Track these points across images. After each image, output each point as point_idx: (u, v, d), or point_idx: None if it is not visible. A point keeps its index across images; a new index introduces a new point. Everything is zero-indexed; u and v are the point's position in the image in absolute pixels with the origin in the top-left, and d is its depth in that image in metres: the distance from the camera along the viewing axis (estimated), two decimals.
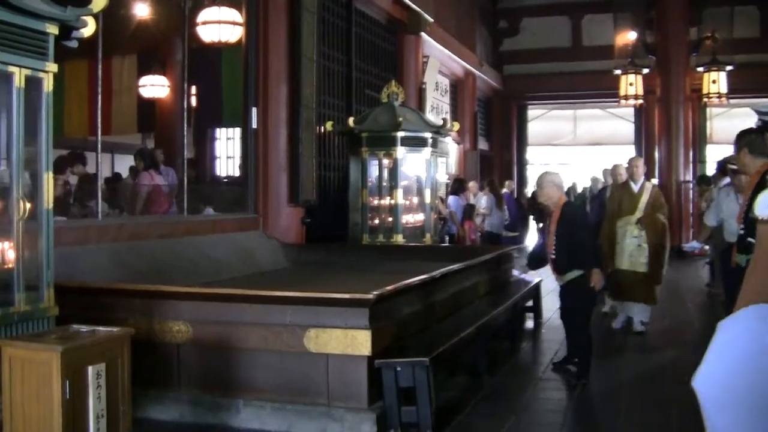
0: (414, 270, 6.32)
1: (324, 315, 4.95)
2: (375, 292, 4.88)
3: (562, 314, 6.97)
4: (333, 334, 4.88)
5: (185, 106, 8.56)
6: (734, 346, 2.36)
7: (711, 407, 2.31)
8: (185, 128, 8.60)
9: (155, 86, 11.52)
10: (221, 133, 14.97)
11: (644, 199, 8.83)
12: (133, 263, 6.78)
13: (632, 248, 8.74)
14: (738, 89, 17.28)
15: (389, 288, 5.20)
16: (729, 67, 17.15)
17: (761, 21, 19.46)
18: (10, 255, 4.32)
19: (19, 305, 4.27)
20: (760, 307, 2.39)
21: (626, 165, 9.28)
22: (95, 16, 4.73)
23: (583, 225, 6.99)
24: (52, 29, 4.39)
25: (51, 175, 4.45)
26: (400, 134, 9.61)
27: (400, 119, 9.51)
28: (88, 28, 4.59)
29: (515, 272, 9.76)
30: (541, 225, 15.37)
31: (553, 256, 6.65)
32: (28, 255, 4.34)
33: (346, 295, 4.97)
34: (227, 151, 15.12)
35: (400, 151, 9.69)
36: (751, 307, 2.39)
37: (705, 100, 17.65)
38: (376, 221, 9.93)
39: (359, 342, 4.82)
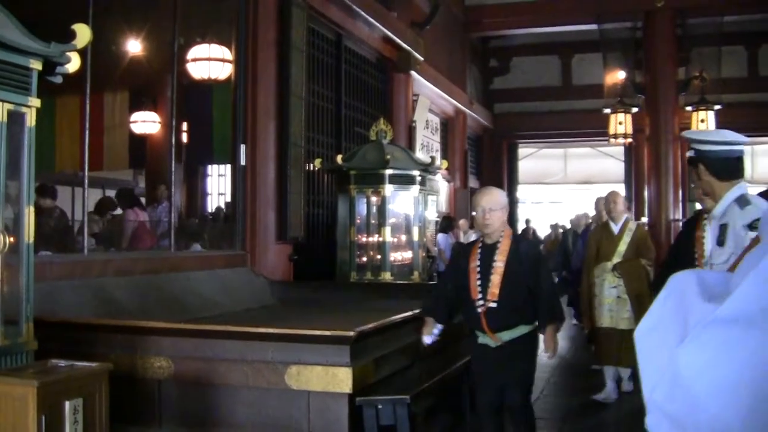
0: (401, 308, 6.29)
1: (305, 352, 4.93)
2: (356, 329, 4.88)
3: (488, 402, 5.14)
4: (314, 371, 4.86)
5: (173, 143, 8.59)
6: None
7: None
8: (173, 165, 8.63)
9: (146, 122, 11.60)
10: (213, 169, 15.02)
11: (625, 240, 7.79)
12: (117, 299, 6.77)
13: (611, 301, 7.69)
14: (726, 128, 17.32)
15: (371, 325, 5.19)
16: (717, 107, 17.27)
17: (749, 61, 19.68)
18: None
19: None
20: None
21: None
22: (81, 52, 4.77)
23: (547, 265, 5.72)
24: (36, 65, 4.41)
25: (32, 209, 4.46)
26: (388, 172, 9.62)
27: (388, 157, 9.54)
28: (73, 64, 4.62)
29: None
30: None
31: (492, 305, 4.96)
32: (8, 289, 4.33)
33: (327, 332, 4.96)
34: (218, 188, 15.17)
35: (389, 189, 9.69)
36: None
37: None
38: (364, 259, 9.91)
39: (340, 379, 4.80)
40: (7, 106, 4.29)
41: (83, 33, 4.55)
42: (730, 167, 3.89)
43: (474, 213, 5.10)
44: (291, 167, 9.55)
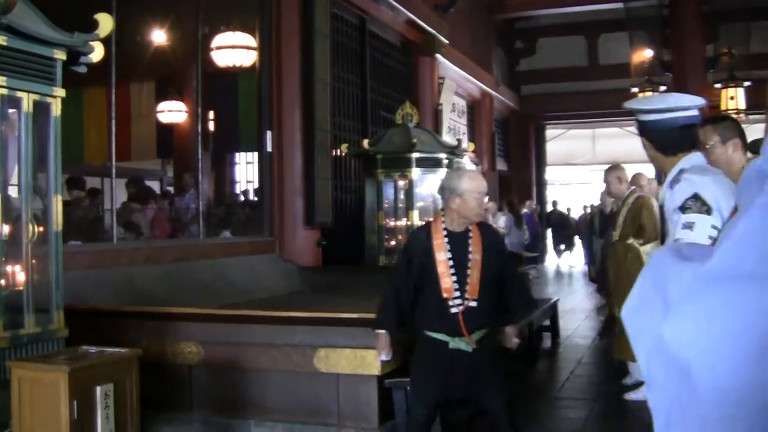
0: None
1: (333, 335, 4.95)
2: None
3: (425, 415, 4.33)
4: (343, 354, 4.88)
5: (200, 131, 8.64)
6: None
7: None
8: (200, 153, 8.68)
9: (173, 112, 11.66)
10: (240, 157, 15.08)
11: (623, 214, 6.83)
12: (147, 286, 6.83)
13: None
14: (756, 105, 17.20)
15: None
16: (747, 83, 17.08)
17: None
18: (20, 277, 4.36)
19: (29, 327, 4.30)
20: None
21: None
22: (105, 42, 4.80)
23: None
24: (60, 55, 4.45)
25: (60, 198, 4.51)
26: (415, 155, 9.59)
27: (415, 140, 9.51)
28: (96, 53, 4.65)
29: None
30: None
31: (473, 304, 4.19)
32: (38, 278, 4.38)
33: (355, 315, 4.98)
34: (246, 175, 15.22)
35: (416, 173, 9.67)
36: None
37: None
38: (393, 243, 9.91)
39: (369, 362, 4.81)
40: (33, 96, 4.33)
41: (105, 22, 4.58)
42: (674, 138, 3.29)
43: (459, 199, 4.22)
44: (317, 153, 9.56)
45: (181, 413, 5.29)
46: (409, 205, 9.72)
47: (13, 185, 4.45)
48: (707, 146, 3.55)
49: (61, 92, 4.50)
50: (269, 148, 9.20)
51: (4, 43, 4.12)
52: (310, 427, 4.96)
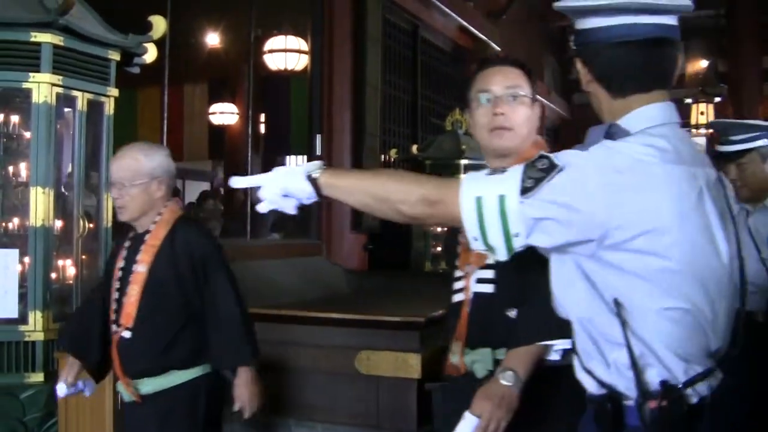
0: None
1: (375, 337, 4.99)
2: (426, 316, 4.92)
3: None
4: (384, 357, 4.91)
5: (251, 133, 8.75)
6: None
7: None
8: (250, 155, 8.78)
9: (225, 113, 11.80)
10: (291, 160, 15.19)
11: None
12: None
13: None
14: None
15: (440, 312, 5.21)
16: None
17: None
18: (71, 272, 4.47)
19: None
20: None
21: None
22: (159, 44, 4.91)
23: (227, 266, 3.52)
24: (114, 55, 4.57)
25: (110, 195, 4.61)
26: (464, 162, 9.58)
27: (464, 147, 9.52)
28: (150, 54, 4.76)
29: None
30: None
31: (126, 334, 3.23)
32: (87, 272, 4.49)
33: (398, 318, 5.01)
34: None
35: None
36: None
37: None
38: (439, 249, 9.92)
39: (410, 365, 4.84)
40: (87, 95, 4.45)
41: (159, 24, 4.69)
42: (631, 66, 1.97)
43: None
44: (366, 157, 9.61)
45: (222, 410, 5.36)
46: None
47: (67, 182, 4.57)
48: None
49: (114, 92, 4.61)
50: (319, 152, 9.26)
51: (61, 44, 4.24)
52: (349, 428, 5.00)
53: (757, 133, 4.07)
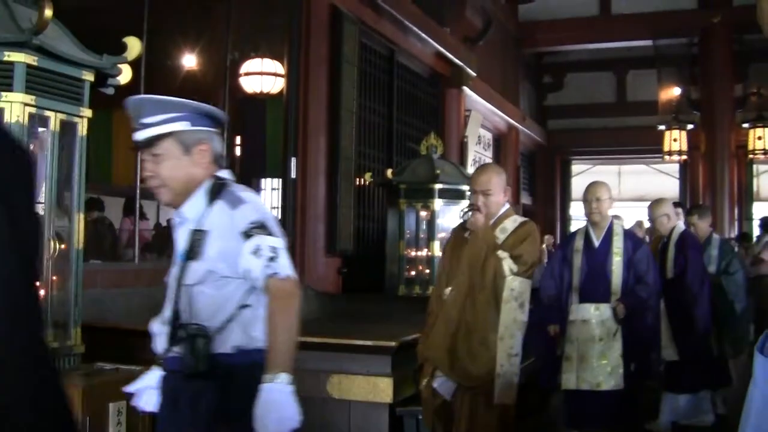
0: None
1: (347, 361, 4.98)
2: (398, 340, 4.92)
3: None
4: (355, 381, 4.91)
5: (225, 155, 8.73)
6: None
7: None
8: None
9: None
10: (266, 183, 15.16)
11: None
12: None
13: None
14: None
15: (413, 336, 5.22)
16: None
17: None
18: (41, 293, 4.44)
19: (47, 342, 4.36)
20: None
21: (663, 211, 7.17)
22: (135, 65, 4.91)
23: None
24: (88, 76, 4.55)
25: (82, 216, 4.59)
26: (438, 186, 9.63)
27: (438, 171, 9.56)
28: (124, 76, 4.75)
29: None
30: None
31: None
32: (58, 294, 4.46)
33: (369, 342, 5.01)
34: (272, 202, 15.29)
35: (438, 203, 9.70)
36: None
37: (751, 156, 17.51)
38: (413, 273, 9.94)
39: (381, 389, 4.84)
40: (60, 115, 4.42)
41: (134, 46, 4.67)
42: None
43: None
44: (341, 181, 9.64)
45: None
46: (431, 236, 9.73)
47: (39, 203, 4.54)
48: None
49: (87, 112, 4.59)
50: (293, 175, 9.27)
51: (35, 63, 4.22)
52: None
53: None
